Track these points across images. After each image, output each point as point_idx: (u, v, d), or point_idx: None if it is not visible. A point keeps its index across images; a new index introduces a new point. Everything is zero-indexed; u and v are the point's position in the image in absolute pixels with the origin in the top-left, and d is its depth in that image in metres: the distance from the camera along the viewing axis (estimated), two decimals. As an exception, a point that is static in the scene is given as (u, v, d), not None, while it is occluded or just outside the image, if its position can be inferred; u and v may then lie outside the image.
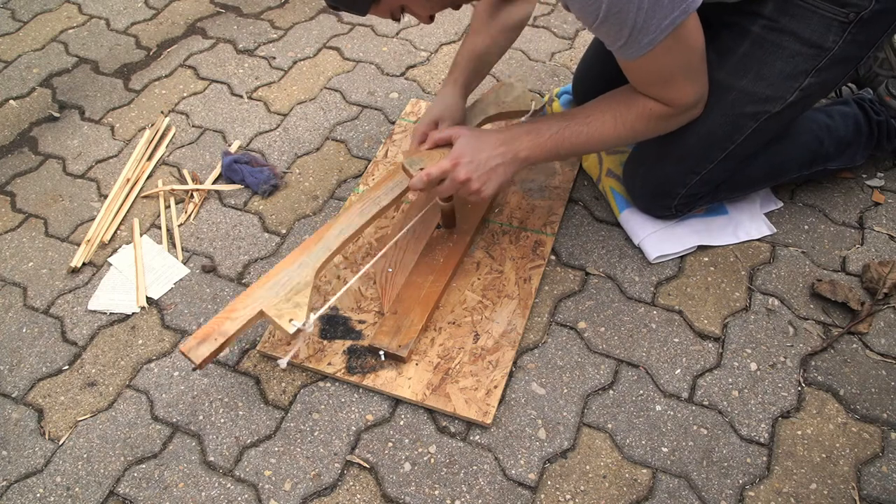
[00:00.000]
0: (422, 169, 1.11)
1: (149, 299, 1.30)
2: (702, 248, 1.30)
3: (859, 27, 1.04)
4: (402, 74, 1.73)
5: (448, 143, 1.14)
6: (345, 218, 1.17)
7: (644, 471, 1.04)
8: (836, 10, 1.03)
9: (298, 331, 1.03)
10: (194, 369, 0.99)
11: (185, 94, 1.72)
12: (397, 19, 1.07)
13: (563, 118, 1.11)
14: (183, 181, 1.52)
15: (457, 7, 1.09)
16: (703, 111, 1.11)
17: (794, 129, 1.24)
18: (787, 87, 1.10)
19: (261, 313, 1.05)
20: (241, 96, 1.71)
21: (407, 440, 1.09)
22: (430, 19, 1.09)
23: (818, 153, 1.28)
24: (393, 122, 1.60)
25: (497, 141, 1.10)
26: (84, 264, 1.37)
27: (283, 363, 1.06)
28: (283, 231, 1.40)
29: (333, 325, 1.21)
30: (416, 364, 1.15)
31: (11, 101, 1.75)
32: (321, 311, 1.09)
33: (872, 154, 1.35)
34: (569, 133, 1.10)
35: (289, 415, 1.13)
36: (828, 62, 1.08)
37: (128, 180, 1.51)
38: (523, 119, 1.33)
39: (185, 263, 1.36)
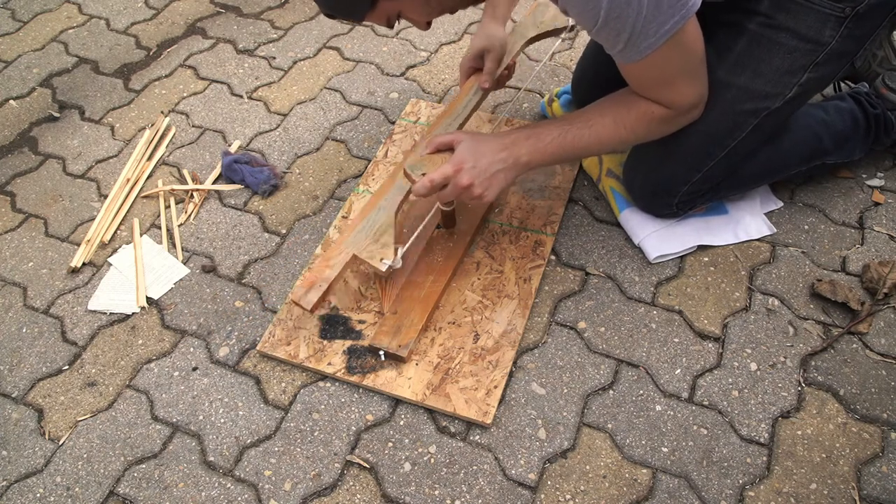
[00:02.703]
0: (424, 174, 1.10)
1: (149, 299, 1.30)
2: (702, 248, 1.30)
3: (855, 21, 1.05)
4: (402, 74, 1.73)
5: (449, 148, 1.14)
6: (412, 159, 1.20)
7: (644, 471, 1.04)
8: (832, 4, 1.04)
9: (390, 267, 1.13)
10: (309, 311, 1.12)
11: (185, 94, 1.72)
12: (391, 26, 1.07)
13: (563, 122, 1.11)
14: (183, 181, 1.52)
15: (453, 11, 1.09)
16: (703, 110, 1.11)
17: (792, 126, 1.25)
18: (785, 83, 1.10)
19: (354, 257, 1.15)
20: (241, 96, 1.71)
21: (407, 440, 1.09)
22: (427, 25, 1.09)
23: (817, 149, 1.28)
24: (393, 122, 1.60)
25: (498, 146, 1.10)
26: (84, 264, 1.37)
27: (384, 265, 1.14)
28: (283, 231, 1.40)
29: (333, 325, 1.21)
30: (416, 364, 1.15)
31: (11, 101, 1.75)
32: (404, 249, 1.18)
33: (871, 148, 1.35)
34: (570, 137, 1.10)
35: (289, 415, 1.13)
36: (825, 57, 1.08)
37: (128, 180, 1.51)
38: (564, 35, 1.40)
39: (185, 263, 1.36)
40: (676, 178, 1.22)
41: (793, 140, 1.26)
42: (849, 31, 1.06)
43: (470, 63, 1.31)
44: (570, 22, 1.38)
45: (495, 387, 1.12)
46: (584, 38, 1.78)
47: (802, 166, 1.30)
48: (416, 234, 1.21)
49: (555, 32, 1.38)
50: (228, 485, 1.06)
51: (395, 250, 1.15)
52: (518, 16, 1.46)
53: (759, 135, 1.16)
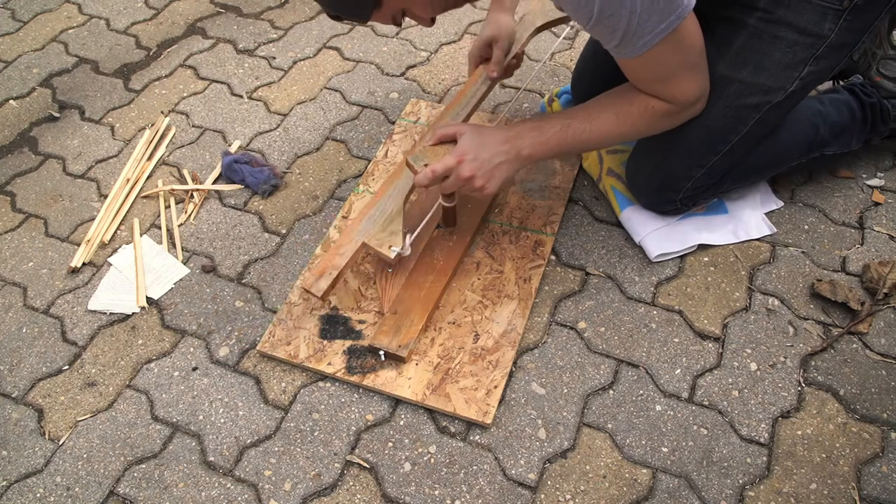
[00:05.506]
0: (426, 165, 1.11)
1: (149, 299, 1.30)
2: (702, 247, 1.30)
3: (854, 14, 1.05)
4: (402, 74, 1.73)
5: (452, 140, 1.14)
6: (414, 151, 1.21)
7: (644, 471, 1.04)
8: None
9: (398, 254, 1.15)
10: (319, 298, 1.14)
11: (185, 94, 1.72)
12: (398, 24, 1.07)
13: (565, 116, 1.12)
14: (183, 181, 1.52)
15: (461, 5, 1.09)
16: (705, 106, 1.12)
17: (789, 118, 1.25)
18: (786, 77, 1.11)
19: (363, 245, 1.17)
20: (241, 96, 1.71)
21: (407, 440, 1.09)
22: (432, 22, 1.09)
23: (815, 140, 1.29)
24: (393, 122, 1.60)
25: (501, 138, 1.11)
26: (84, 264, 1.37)
27: (393, 253, 1.15)
28: (283, 231, 1.40)
29: (333, 325, 1.21)
30: (416, 364, 1.15)
31: (11, 101, 1.75)
32: (413, 237, 1.20)
33: (868, 138, 1.34)
34: (572, 131, 1.10)
35: (289, 415, 1.13)
36: (825, 50, 1.09)
37: (128, 180, 1.51)
38: (572, 22, 1.43)
39: (185, 263, 1.36)
40: (680, 174, 1.22)
41: (791, 132, 1.26)
42: (847, 24, 1.06)
43: (478, 52, 1.33)
44: None
45: (495, 387, 1.12)
46: (584, 39, 1.78)
47: (802, 158, 1.30)
48: (420, 226, 1.22)
49: (564, 20, 1.40)
50: (228, 485, 1.06)
51: (404, 237, 1.15)
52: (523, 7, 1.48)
53: (761, 129, 1.17)
